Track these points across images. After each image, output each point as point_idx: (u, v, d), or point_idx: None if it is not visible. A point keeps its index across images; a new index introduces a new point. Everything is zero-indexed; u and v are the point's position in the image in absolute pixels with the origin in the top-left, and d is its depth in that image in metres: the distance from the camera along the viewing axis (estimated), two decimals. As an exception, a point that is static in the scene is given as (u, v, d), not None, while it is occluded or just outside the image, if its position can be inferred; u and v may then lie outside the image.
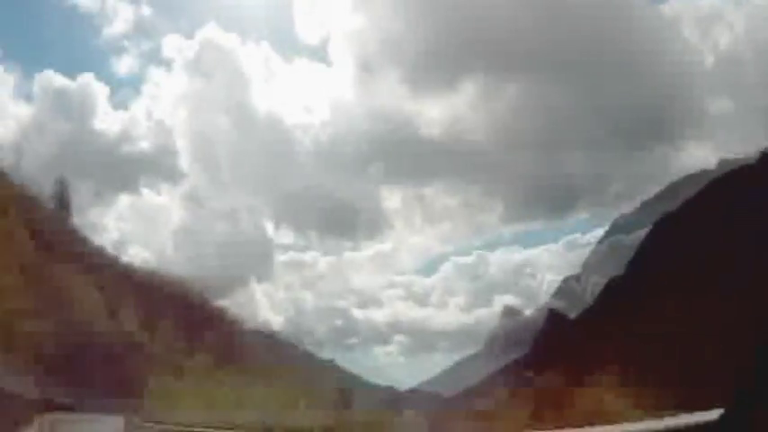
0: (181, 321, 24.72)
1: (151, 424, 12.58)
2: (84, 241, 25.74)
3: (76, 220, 27.34)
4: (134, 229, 37.68)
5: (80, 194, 28.20)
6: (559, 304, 31.91)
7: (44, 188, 25.92)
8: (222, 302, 30.20)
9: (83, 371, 16.36)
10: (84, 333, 17.92)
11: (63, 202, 26.47)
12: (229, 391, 17.60)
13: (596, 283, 30.94)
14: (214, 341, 24.98)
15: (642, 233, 26.79)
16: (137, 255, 31.53)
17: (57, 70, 41.81)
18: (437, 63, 51.84)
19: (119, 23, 53.08)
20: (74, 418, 14.24)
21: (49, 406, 14.47)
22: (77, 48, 49.51)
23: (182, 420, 14.16)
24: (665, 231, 24.15)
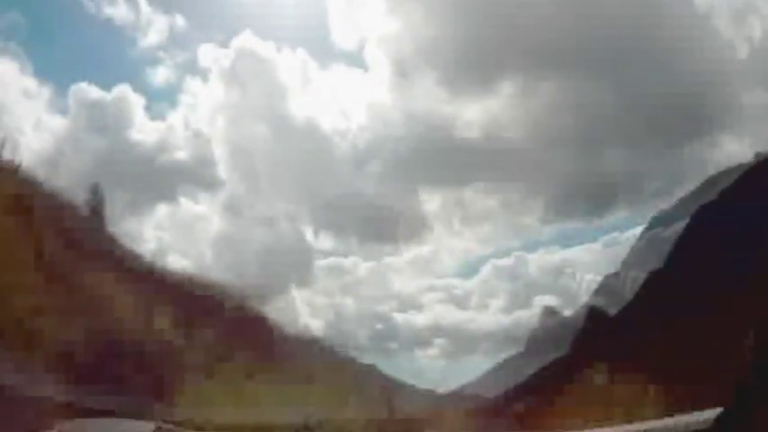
0: (218, 325, 24.38)
1: (181, 429, 12.17)
2: (118, 246, 25.52)
3: (114, 229, 27.26)
4: (172, 238, 37.84)
5: (117, 205, 28.03)
6: (599, 301, 30.65)
7: (79, 196, 26.28)
8: (262, 309, 29.87)
9: (114, 374, 16.01)
10: (116, 336, 17.62)
11: (97, 208, 26.35)
12: (269, 392, 17.13)
13: (635, 278, 29.63)
14: (253, 345, 24.58)
15: (680, 226, 25.91)
16: (175, 263, 31.19)
17: (92, 83, 42.09)
18: (473, 64, 50.65)
19: (153, 35, 53.30)
20: (99, 422, 13.80)
21: (73, 410, 14.15)
22: (112, 60, 49.68)
23: (218, 421, 13.73)
24: (704, 222, 23.36)
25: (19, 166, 16.65)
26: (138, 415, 14.17)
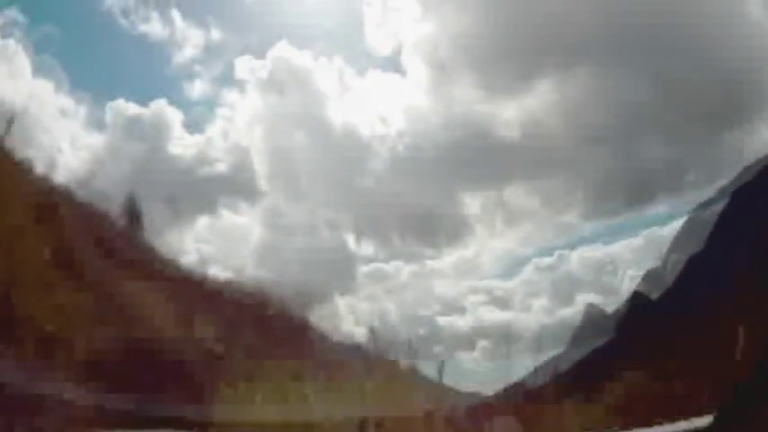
0: (261, 332, 23.92)
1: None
2: (155, 254, 25.23)
3: (152, 238, 27.03)
4: (214, 249, 37.71)
5: (158, 218, 27.77)
6: (641, 287, 29.75)
7: (115, 206, 26.08)
8: (305, 315, 29.39)
9: (150, 381, 15.56)
10: (152, 343, 17.20)
11: (134, 218, 26.13)
12: (313, 395, 16.58)
13: (677, 262, 28.71)
14: (296, 351, 24.03)
15: (718, 208, 25.09)
16: (217, 274, 30.93)
17: (129, 99, 42.67)
18: (509, 63, 50.68)
19: (189, 49, 54.12)
20: None
21: (109, 418, 13.69)
22: (148, 75, 50.64)
23: (261, 421, 13.33)
24: (741, 204, 22.65)
25: (31, 163, 16.03)
26: (177, 422, 13.73)
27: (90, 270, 16.22)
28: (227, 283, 27.56)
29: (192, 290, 23.61)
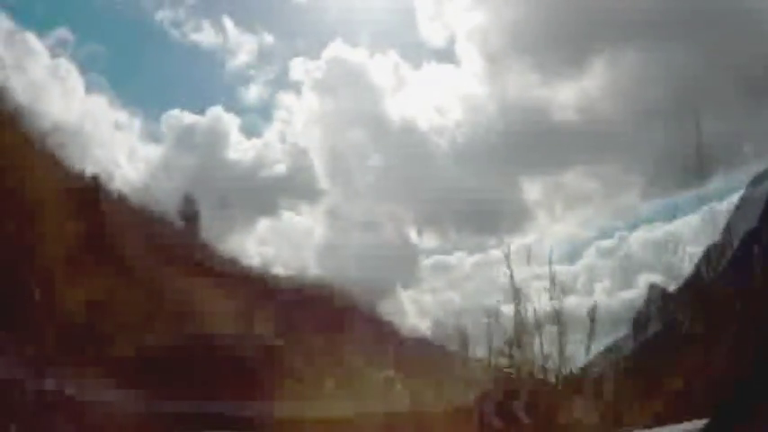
0: (323, 327, 23.54)
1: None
2: (213, 254, 25.06)
3: (215, 242, 26.99)
4: (276, 251, 37.43)
5: (219, 223, 27.74)
6: (697, 269, 27.84)
7: (173, 210, 26.13)
8: (370, 310, 28.92)
9: (208, 377, 15.27)
10: (210, 339, 16.95)
11: (191, 218, 26.09)
12: (378, 387, 16.03)
13: (729, 241, 26.73)
14: (361, 345, 23.56)
15: None
16: (279, 272, 30.60)
17: (184, 108, 42.41)
18: (562, 45, 48.26)
19: (242, 55, 53.66)
20: None
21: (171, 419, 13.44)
22: (203, 84, 50.17)
23: (326, 415, 12.85)
24: None
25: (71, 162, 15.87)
26: (236, 422, 13.36)
27: (140, 267, 15.96)
28: (289, 279, 27.21)
29: (251, 287, 23.32)
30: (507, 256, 10.29)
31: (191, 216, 26.13)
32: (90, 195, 15.02)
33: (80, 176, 15.40)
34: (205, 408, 14.06)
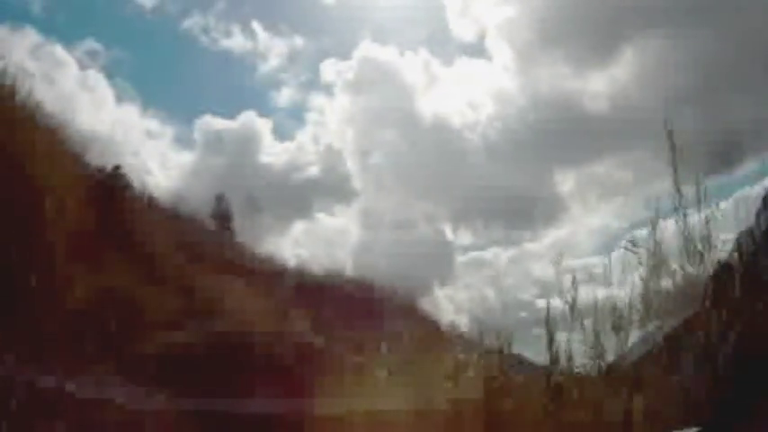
0: (361, 324, 22.81)
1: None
2: (247, 253, 24.43)
3: (249, 242, 26.39)
4: (311, 253, 36.87)
5: (254, 228, 27.30)
6: (726, 255, 26.21)
7: (206, 213, 25.66)
8: (407, 306, 28.12)
9: (246, 379, 14.52)
10: (243, 337, 16.23)
11: (223, 218, 25.66)
12: (419, 383, 15.08)
13: (761, 225, 25.02)
14: (399, 341, 22.73)
15: None
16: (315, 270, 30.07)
17: (215, 114, 42.39)
18: (591, 36, 47.21)
19: (273, 59, 53.39)
20: None
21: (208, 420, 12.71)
22: (234, 89, 49.97)
23: (369, 410, 12.07)
24: None
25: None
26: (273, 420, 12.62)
27: (164, 261, 15.27)
28: (326, 277, 26.51)
29: (287, 285, 22.64)
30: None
31: (223, 215, 25.75)
32: (110, 185, 14.33)
33: (101, 168, 14.74)
34: (241, 407, 13.38)
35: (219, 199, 26.34)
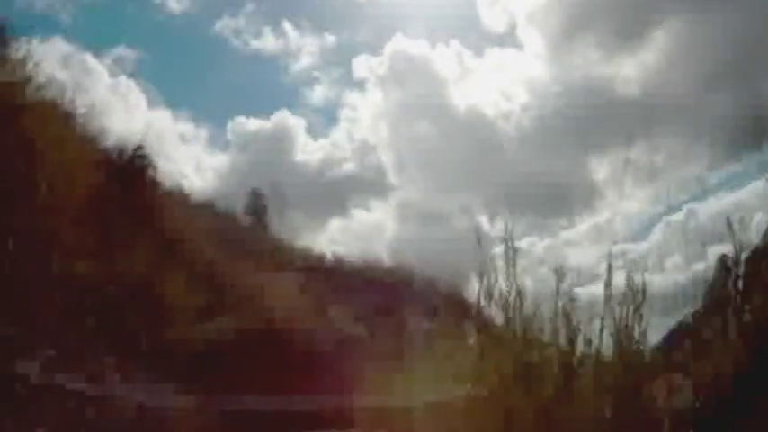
0: (399, 313, 22.17)
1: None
2: (282, 246, 23.84)
3: (285, 237, 25.87)
4: (348, 249, 36.40)
5: (290, 226, 26.81)
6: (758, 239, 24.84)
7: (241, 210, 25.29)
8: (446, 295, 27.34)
9: (286, 375, 13.88)
10: (285, 335, 15.62)
11: (258, 213, 25.17)
12: (463, 373, 14.29)
13: None
14: (441, 332, 21.99)
15: None
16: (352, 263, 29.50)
17: (249, 115, 42.30)
18: (621, 20, 46.06)
19: (305, 57, 53.16)
20: None
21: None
22: (267, 90, 49.61)
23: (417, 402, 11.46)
24: None
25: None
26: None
27: (200, 262, 14.67)
28: (366, 267, 25.81)
29: (325, 278, 21.99)
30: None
31: (258, 210, 25.31)
32: (130, 167, 13.62)
33: (121, 150, 14.05)
34: (285, 404, 12.84)
35: (254, 194, 25.84)
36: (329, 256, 27.69)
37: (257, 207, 25.52)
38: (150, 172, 14.15)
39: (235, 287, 15.07)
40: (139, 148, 14.19)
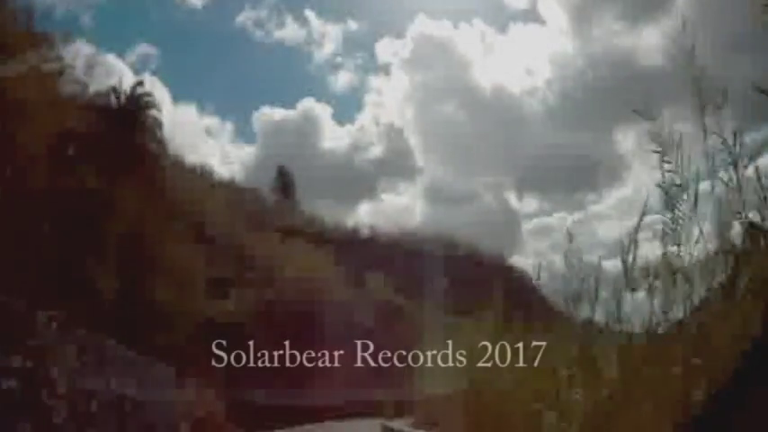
0: (441, 282, 21.06)
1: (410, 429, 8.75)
2: (313, 222, 22.83)
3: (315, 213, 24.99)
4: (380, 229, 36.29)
5: (318, 206, 25.99)
6: None
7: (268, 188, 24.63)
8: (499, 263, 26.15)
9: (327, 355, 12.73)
10: (323, 309, 14.50)
11: (286, 191, 24.26)
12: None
13: None
14: (493, 300, 20.72)
15: None
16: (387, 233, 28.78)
17: (274, 105, 41.60)
18: None
19: (328, 44, 52.26)
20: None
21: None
22: (291, 79, 48.61)
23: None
24: None
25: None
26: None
27: (224, 236, 13.55)
28: (402, 236, 24.64)
29: (362, 250, 20.85)
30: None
31: (286, 187, 24.46)
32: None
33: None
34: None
35: (281, 172, 24.91)
36: (364, 229, 26.90)
37: (285, 183, 24.57)
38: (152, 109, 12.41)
39: (256, 258, 13.88)
40: (140, 83, 12.78)
